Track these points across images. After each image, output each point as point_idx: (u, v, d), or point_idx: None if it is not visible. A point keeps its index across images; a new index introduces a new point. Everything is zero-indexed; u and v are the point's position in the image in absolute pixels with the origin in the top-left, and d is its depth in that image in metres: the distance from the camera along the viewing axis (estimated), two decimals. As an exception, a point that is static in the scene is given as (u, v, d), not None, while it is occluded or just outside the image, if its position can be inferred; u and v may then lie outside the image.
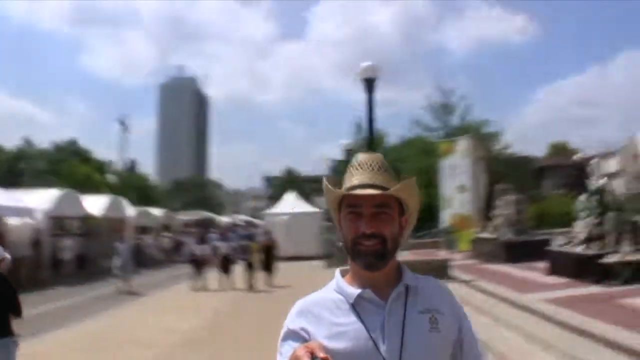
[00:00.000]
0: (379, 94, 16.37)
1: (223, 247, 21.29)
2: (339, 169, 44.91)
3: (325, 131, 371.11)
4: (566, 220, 30.47)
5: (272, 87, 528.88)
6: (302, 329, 1.79)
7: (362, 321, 1.76)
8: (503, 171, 31.79)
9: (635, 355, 6.66)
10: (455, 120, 39.63)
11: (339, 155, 39.57)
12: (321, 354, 1.54)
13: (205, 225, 44.24)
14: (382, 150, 30.54)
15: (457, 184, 23.53)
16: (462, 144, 24.14)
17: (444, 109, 39.68)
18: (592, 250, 11.92)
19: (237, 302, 17.01)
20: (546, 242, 17.31)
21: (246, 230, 33.14)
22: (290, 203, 35.92)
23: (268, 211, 37.13)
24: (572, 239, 13.31)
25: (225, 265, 20.24)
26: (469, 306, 11.52)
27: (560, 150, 56.54)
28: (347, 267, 1.90)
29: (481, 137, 32.96)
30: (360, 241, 1.77)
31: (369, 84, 15.49)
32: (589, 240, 12.38)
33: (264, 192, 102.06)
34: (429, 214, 28.45)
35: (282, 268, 21.99)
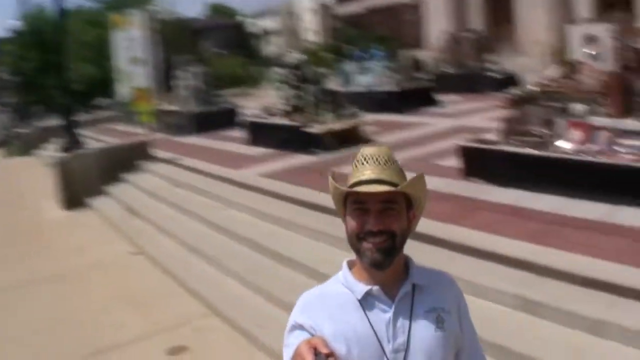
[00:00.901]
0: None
1: None
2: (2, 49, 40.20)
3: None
4: (236, 81, 31.49)
5: None
6: (308, 323, 1.76)
7: (369, 319, 1.75)
8: (174, 39, 31.24)
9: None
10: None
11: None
12: (324, 350, 1.54)
13: None
14: (44, 24, 27.71)
15: (133, 56, 22.76)
16: (135, 16, 23.39)
17: None
18: (295, 121, 12.30)
19: None
20: (232, 111, 17.64)
21: None
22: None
23: None
24: (271, 110, 13.64)
25: None
26: (180, 187, 11.30)
27: (218, 11, 56.98)
28: (353, 259, 1.86)
29: (150, 5, 31.93)
30: (367, 238, 1.74)
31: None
32: (291, 111, 12.78)
33: None
34: (102, 87, 27.11)
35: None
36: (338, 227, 6.78)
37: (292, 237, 7.91)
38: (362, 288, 1.78)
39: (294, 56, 13.90)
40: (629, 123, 6.81)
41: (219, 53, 42.04)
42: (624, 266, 4.93)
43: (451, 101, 16.96)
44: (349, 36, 28.93)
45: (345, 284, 1.83)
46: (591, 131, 7.05)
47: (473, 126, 12.42)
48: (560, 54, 16.70)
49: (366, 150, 1.84)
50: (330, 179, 1.86)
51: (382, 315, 1.76)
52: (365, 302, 1.77)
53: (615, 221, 6.14)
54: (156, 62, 22.53)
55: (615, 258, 5.11)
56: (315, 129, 11.77)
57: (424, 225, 6.32)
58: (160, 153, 14.10)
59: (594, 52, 8.28)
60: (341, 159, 10.94)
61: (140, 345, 6.20)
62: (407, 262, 1.88)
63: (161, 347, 6.03)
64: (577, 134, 7.18)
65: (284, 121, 12.69)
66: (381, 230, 1.72)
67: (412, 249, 1.80)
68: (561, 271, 5.10)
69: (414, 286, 1.81)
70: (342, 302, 1.79)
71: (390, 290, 1.79)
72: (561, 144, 7.32)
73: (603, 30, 8.20)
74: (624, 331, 4.28)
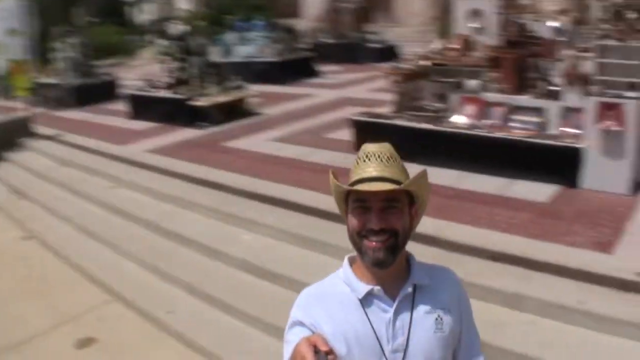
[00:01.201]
0: None
1: None
2: None
3: None
4: (111, 51, 29.99)
5: None
6: (308, 321, 1.76)
7: (369, 319, 1.74)
8: (49, 9, 29.33)
9: (269, 202, 7.10)
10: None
11: None
12: (324, 348, 1.53)
13: None
14: None
15: (9, 28, 21.44)
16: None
17: None
18: (180, 94, 11.95)
19: None
20: (112, 83, 16.91)
21: None
22: None
23: None
24: (154, 82, 13.16)
25: None
26: (67, 166, 10.71)
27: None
28: (354, 255, 1.83)
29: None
30: (369, 236, 1.71)
31: None
32: (175, 84, 12.39)
33: None
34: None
35: None
36: (230, 203, 6.73)
37: (186, 215, 7.72)
38: (363, 287, 1.77)
39: (178, 27, 13.42)
40: (522, 99, 7.11)
41: (92, 21, 40.02)
42: (532, 240, 5.17)
43: (332, 72, 17.07)
44: (223, 5, 28.15)
45: (346, 282, 1.81)
46: (485, 106, 7.30)
47: (357, 97, 12.57)
48: (440, 26, 17.16)
49: (368, 147, 1.80)
50: (331, 176, 1.81)
51: (382, 315, 1.75)
52: (366, 301, 1.76)
53: (513, 195, 6.43)
54: (32, 33, 21.49)
55: (523, 232, 5.34)
56: (201, 102, 11.51)
57: (323, 202, 6.36)
58: (43, 129, 13.22)
59: (478, 26, 8.52)
60: (228, 132, 10.86)
61: (45, 340, 5.79)
62: (408, 259, 1.86)
63: (68, 340, 5.67)
64: (471, 109, 7.42)
65: (168, 94, 12.28)
66: (384, 229, 1.69)
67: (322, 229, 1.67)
68: (470, 246, 5.26)
69: (414, 286, 1.80)
70: (343, 301, 1.78)
71: (391, 290, 1.77)
72: (456, 118, 7.54)
73: (488, 5, 8.43)
74: (541, 304, 4.48)
